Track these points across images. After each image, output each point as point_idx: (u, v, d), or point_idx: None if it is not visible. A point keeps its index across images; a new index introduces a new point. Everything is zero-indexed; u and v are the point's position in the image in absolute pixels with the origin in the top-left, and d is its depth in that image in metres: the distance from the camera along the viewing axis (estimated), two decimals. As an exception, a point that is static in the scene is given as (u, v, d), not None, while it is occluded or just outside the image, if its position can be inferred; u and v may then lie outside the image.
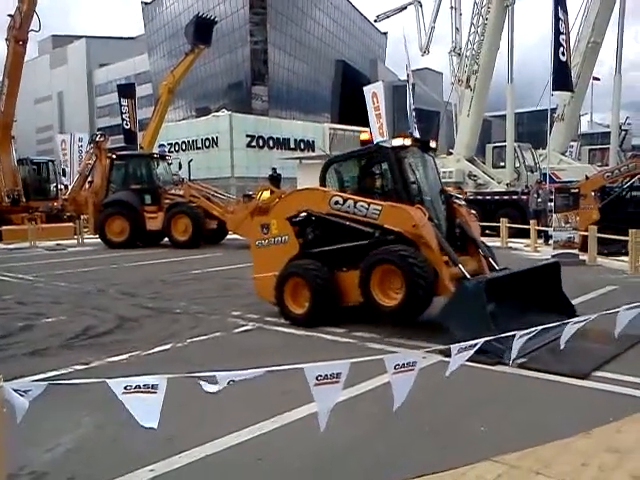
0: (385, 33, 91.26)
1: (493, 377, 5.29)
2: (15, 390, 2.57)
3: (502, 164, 22.58)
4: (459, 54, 25.65)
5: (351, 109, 59.94)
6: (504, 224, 17.21)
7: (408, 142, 7.54)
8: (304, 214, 7.66)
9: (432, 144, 8.05)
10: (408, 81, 29.43)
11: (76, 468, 3.81)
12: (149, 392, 2.60)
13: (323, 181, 7.98)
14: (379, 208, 7.05)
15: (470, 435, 4.14)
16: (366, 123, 34.76)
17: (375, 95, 30.77)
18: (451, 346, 3.18)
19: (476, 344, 3.13)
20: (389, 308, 6.76)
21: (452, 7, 28.13)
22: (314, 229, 7.69)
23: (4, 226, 23.47)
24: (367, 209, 7.11)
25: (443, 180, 23.63)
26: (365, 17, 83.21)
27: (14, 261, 16.29)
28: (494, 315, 6.08)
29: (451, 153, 24.90)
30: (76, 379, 5.04)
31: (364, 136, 8.58)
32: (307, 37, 74.94)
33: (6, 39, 23.36)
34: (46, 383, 2.68)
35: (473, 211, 8.72)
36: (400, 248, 6.71)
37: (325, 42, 78.16)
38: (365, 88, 32.20)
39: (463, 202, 8.14)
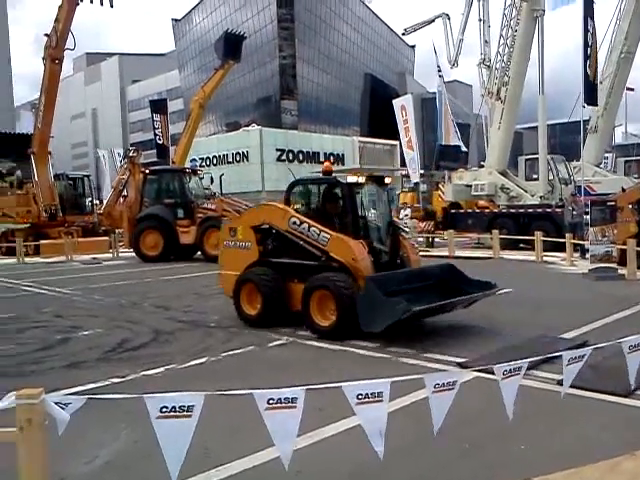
0: (413, 46, 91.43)
1: (534, 394, 5.17)
2: (56, 403, 2.61)
3: (535, 177, 22.23)
4: (488, 66, 25.43)
5: (380, 122, 60.08)
6: (538, 238, 16.92)
7: (362, 179, 8.38)
8: (266, 226, 8.58)
9: (387, 180, 8.86)
10: (441, 93, 29.38)
11: (114, 481, 3.85)
12: (184, 416, 2.61)
13: (288, 198, 8.78)
14: (328, 237, 7.85)
15: (511, 453, 4.06)
16: (395, 136, 34.79)
17: (404, 108, 30.79)
18: (494, 367, 3.11)
19: (521, 367, 3.06)
20: (324, 328, 7.57)
21: (480, 19, 27.95)
22: (273, 241, 8.63)
23: (42, 240, 24.01)
24: (318, 235, 7.92)
25: (475, 193, 23.50)
26: (393, 30, 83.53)
27: (51, 275, 16.63)
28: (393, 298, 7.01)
29: (482, 166, 24.67)
30: (113, 392, 5.11)
31: (326, 166, 9.16)
32: (335, 51, 75.47)
33: (43, 58, 24.02)
34: (86, 397, 2.72)
35: (415, 243, 9.62)
36: (335, 276, 7.57)
37: (353, 56, 78.58)
38: (394, 101, 32.24)
39: (409, 235, 8.81)
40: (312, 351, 7.10)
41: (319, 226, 7.96)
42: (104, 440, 4.46)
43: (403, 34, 39.92)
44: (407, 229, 22.69)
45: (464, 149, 33.72)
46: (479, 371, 5.09)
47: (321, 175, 8.91)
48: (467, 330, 7.99)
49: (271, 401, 2.70)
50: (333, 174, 8.76)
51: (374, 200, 8.63)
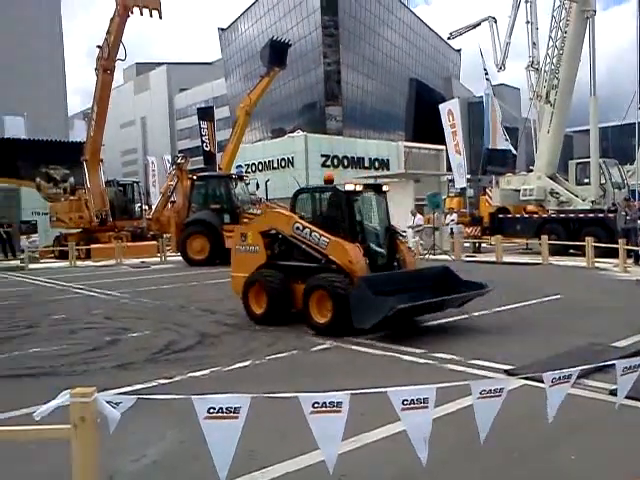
0: (459, 50, 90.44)
1: (584, 404, 5.03)
2: (108, 402, 2.68)
3: (586, 181, 21.61)
4: (537, 69, 24.90)
5: (426, 127, 59.53)
6: (589, 243, 16.43)
7: (359, 188, 9.00)
8: (273, 231, 9.18)
9: (384, 188, 9.45)
10: (489, 96, 28.98)
11: (160, 480, 3.92)
12: (231, 417, 2.63)
13: (294, 205, 9.40)
14: (327, 241, 8.44)
15: (561, 464, 3.95)
16: (441, 140, 34.41)
17: (451, 112, 30.49)
18: (543, 375, 3.03)
19: (570, 375, 2.97)
20: (321, 324, 8.12)
21: (528, 22, 27.39)
22: (279, 245, 9.23)
23: (93, 244, 24.74)
24: (319, 239, 8.52)
25: (524, 198, 23.02)
26: (438, 34, 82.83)
27: (102, 278, 17.10)
28: (382, 297, 7.47)
29: (531, 170, 24.16)
30: (160, 393, 5.21)
31: (327, 175, 9.80)
32: (380, 56, 75.30)
33: (95, 69, 24.79)
34: (136, 397, 2.78)
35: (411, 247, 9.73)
36: (332, 276, 8.12)
37: (398, 61, 78.24)
38: (441, 106, 31.94)
39: (405, 240, 9.52)
40: (356, 356, 7.08)
41: (320, 231, 8.57)
42: (151, 439, 4.55)
43: (449, 38, 39.45)
44: (453, 232, 22.50)
45: (514, 152, 33.08)
46: (527, 379, 4.98)
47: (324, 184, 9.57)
48: (515, 337, 7.84)
49: (316, 405, 2.70)
50: (333, 182, 9.44)
51: (372, 207, 9.23)
